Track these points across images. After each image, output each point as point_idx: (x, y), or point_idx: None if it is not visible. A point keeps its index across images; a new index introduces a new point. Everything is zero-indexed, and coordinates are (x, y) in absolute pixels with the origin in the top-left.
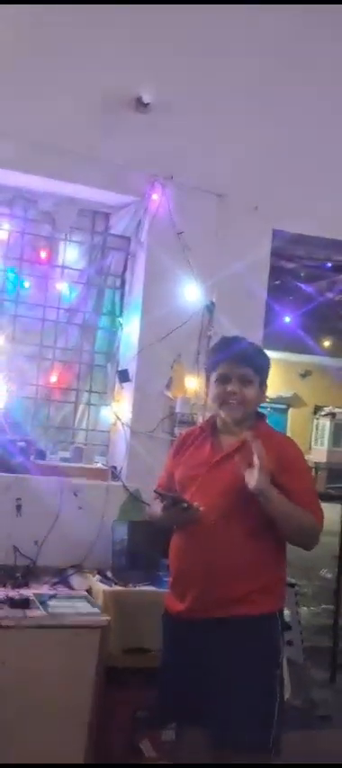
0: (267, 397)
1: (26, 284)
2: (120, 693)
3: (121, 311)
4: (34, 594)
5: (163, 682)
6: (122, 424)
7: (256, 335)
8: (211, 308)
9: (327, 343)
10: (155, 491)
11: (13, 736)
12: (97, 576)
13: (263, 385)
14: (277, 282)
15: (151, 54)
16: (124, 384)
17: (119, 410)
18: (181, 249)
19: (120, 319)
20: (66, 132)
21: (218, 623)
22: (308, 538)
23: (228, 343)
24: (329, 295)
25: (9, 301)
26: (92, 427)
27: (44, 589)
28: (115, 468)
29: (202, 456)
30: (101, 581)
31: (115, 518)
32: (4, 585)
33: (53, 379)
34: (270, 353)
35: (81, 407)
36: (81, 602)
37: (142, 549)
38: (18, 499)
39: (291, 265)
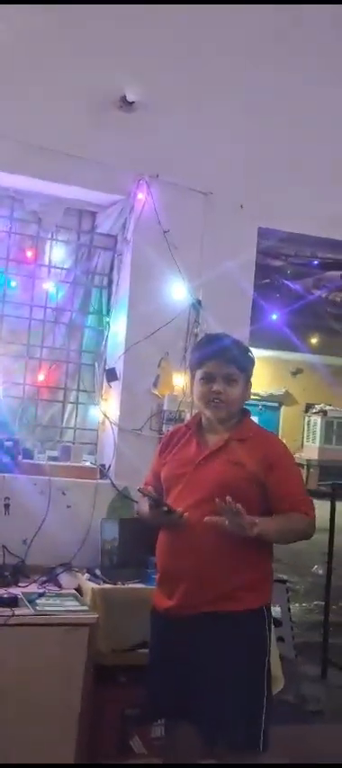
0: (258, 395)
1: (13, 283)
2: (109, 691)
3: (108, 310)
4: (23, 593)
5: (151, 678)
6: (110, 422)
7: (242, 333)
8: (197, 306)
9: (314, 341)
10: (139, 490)
11: (2, 735)
12: (86, 575)
13: (247, 383)
14: (265, 281)
15: (136, 53)
16: (112, 383)
17: (107, 408)
18: (167, 247)
19: (107, 318)
20: (52, 132)
21: (205, 619)
22: (303, 536)
23: (211, 341)
24: (316, 292)
25: None
26: (80, 426)
27: (33, 588)
28: (104, 466)
29: (188, 454)
30: (90, 579)
31: (104, 516)
32: None
33: (40, 378)
34: (259, 351)
35: (69, 406)
36: (70, 600)
37: (131, 546)
38: (6, 498)
39: (277, 263)
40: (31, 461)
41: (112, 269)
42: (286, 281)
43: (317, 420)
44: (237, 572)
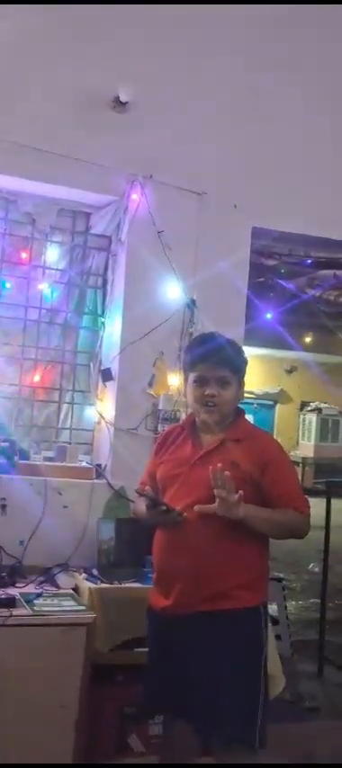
0: (253, 393)
1: (7, 285)
2: (107, 690)
3: (103, 310)
4: (20, 593)
5: (149, 677)
6: (106, 422)
7: (237, 332)
8: (192, 306)
9: (308, 339)
10: (136, 491)
11: (1, 735)
12: (83, 575)
13: (241, 383)
14: (259, 280)
15: (129, 53)
16: (107, 383)
17: (102, 409)
18: (161, 248)
19: (101, 318)
20: (45, 133)
21: (201, 618)
22: (298, 534)
23: (204, 341)
24: (310, 291)
25: None
26: (75, 426)
27: (30, 588)
28: (99, 466)
29: (183, 454)
30: (87, 579)
31: (100, 516)
32: None
33: (36, 379)
34: (254, 350)
35: (64, 407)
36: (67, 600)
37: (128, 546)
38: (2, 499)
39: (271, 262)
40: (27, 462)
41: (106, 269)
42: (280, 280)
43: (312, 418)
44: (233, 570)
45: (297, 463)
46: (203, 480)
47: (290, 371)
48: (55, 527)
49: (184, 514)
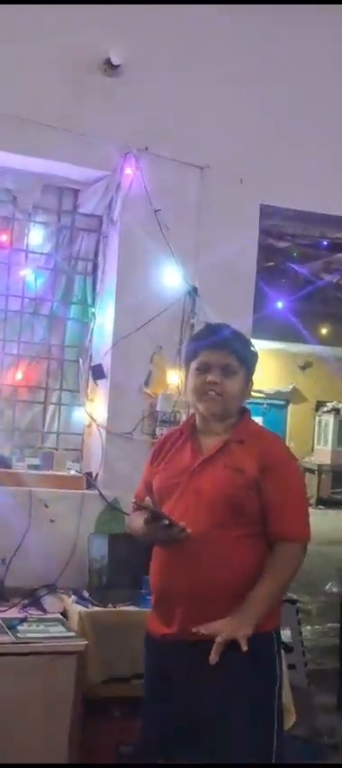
0: (263, 392)
1: None
2: (101, 726)
3: (94, 300)
4: (2, 619)
5: (146, 713)
6: (97, 425)
7: (244, 323)
8: (193, 294)
9: (324, 331)
10: (134, 502)
11: None
12: (73, 597)
13: (248, 379)
14: (268, 264)
15: (121, 9)
16: (98, 381)
17: (93, 410)
18: (159, 229)
19: (92, 309)
20: (27, 100)
21: (206, 646)
22: (297, 569)
23: (211, 331)
24: (326, 276)
25: None
26: (63, 430)
27: (13, 612)
28: (90, 474)
29: (182, 461)
30: (77, 602)
31: (92, 531)
32: None
33: (18, 376)
34: (263, 344)
35: (51, 408)
36: (55, 625)
37: (122, 565)
38: None
39: (282, 244)
40: (8, 470)
41: (97, 253)
42: (292, 265)
43: (329, 419)
44: (240, 591)
45: (312, 471)
46: (203, 491)
47: (304, 367)
48: (41, 544)
49: (188, 530)
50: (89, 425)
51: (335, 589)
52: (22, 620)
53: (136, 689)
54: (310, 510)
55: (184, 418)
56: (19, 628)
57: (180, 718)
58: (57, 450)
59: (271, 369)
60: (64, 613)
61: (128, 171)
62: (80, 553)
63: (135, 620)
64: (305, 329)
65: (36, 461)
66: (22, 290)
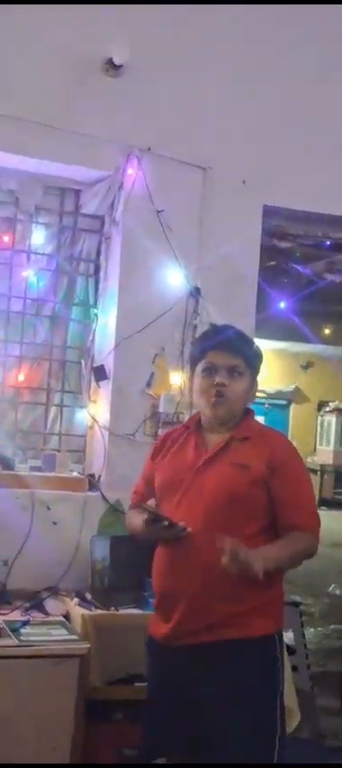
0: (265, 392)
1: None
2: (103, 729)
3: (96, 301)
4: (5, 621)
5: (148, 716)
6: (100, 426)
7: (247, 323)
8: (195, 295)
9: (327, 331)
10: (136, 504)
11: None
12: (75, 600)
13: (253, 381)
14: (271, 264)
15: (123, 8)
16: (101, 382)
17: (95, 412)
18: (161, 229)
19: (94, 310)
20: (29, 101)
21: (208, 648)
22: (306, 557)
23: (217, 332)
24: (328, 276)
25: None
26: (65, 431)
27: (16, 615)
28: (93, 476)
29: (186, 458)
30: (79, 604)
31: (94, 533)
32: None
33: (20, 378)
34: (266, 343)
35: (53, 409)
36: (57, 628)
37: (125, 567)
38: None
39: (285, 244)
40: (10, 472)
41: (99, 254)
42: (295, 265)
43: (331, 420)
44: (244, 593)
45: (315, 471)
46: (208, 490)
47: (306, 367)
48: (43, 546)
49: (189, 529)
50: (91, 427)
51: (338, 591)
52: (25, 623)
53: (139, 691)
54: None
55: (186, 419)
56: (22, 631)
57: (181, 719)
58: (59, 451)
59: (273, 368)
60: (66, 616)
61: (130, 171)
62: (82, 555)
63: (138, 623)
64: (308, 329)
65: (38, 463)
66: (24, 291)
